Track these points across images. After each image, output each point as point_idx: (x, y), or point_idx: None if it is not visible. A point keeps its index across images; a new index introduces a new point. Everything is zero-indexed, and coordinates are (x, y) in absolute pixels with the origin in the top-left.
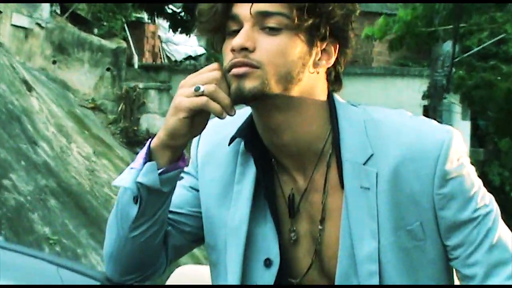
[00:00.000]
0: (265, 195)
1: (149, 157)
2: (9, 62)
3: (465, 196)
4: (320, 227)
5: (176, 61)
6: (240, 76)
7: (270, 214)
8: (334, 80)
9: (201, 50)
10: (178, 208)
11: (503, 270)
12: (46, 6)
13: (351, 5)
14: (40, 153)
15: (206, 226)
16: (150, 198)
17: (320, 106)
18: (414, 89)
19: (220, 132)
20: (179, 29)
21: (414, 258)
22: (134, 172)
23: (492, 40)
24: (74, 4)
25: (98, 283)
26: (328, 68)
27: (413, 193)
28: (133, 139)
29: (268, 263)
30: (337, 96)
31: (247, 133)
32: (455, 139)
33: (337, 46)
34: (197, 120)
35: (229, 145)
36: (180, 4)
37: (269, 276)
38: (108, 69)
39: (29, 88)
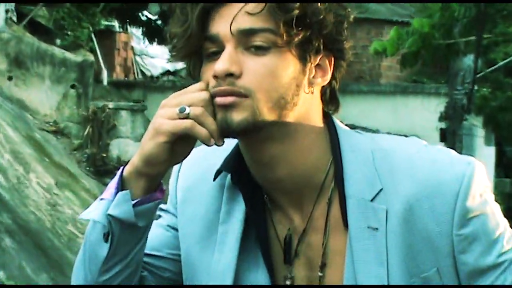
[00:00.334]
0: (257, 237)
1: (121, 187)
2: None
3: (489, 238)
4: (320, 273)
5: (152, 76)
6: (226, 107)
7: (262, 259)
8: (330, 100)
9: (181, 64)
10: (155, 250)
11: None
12: (0, 13)
13: (343, 10)
14: None
15: (186, 273)
16: (123, 234)
17: (318, 132)
18: (429, 109)
19: (203, 163)
20: (155, 40)
21: None
22: (105, 203)
23: None
24: (32, 10)
25: None
26: (322, 86)
27: (429, 234)
28: (102, 168)
29: None
30: (337, 120)
31: (234, 166)
32: (477, 171)
33: (332, 59)
34: (179, 146)
35: (214, 179)
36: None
37: None
38: (72, 86)
39: None
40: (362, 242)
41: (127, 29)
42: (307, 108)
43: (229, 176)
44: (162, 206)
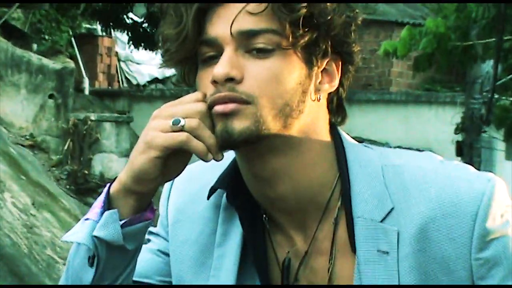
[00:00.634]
0: (254, 260)
1: (108, 206)
2: None
3: (511, 263)
4: None
5: (138, 85)
6: (227, 115)
7: (260, 284)
8: (336, 110)
9: (170, 71)
10: (145, 277)
11: None
12: None
13: (351, 11)
14: None
15: None
16: (111, 258)
17: (324, 145)
18: (444, 120)
19: (196, 181)
20: (142, 45)
21: None
22: (90, 224)
23: None
24: (6, 12)
25: None
26: (329, 94)
27: (445, 258)
28: (84, 186)
29: None
30: (343, 133)
31: (231, 183)
32: (497, 190)
33: (340, 63)
34: (172, 161)
35: (208, 198)
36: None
37: None
38: (50, 96)
39: None
40: (372, 266)
41: (110, 33)
42: (313, 118)
43: (224, 195)
44: (151, 229)
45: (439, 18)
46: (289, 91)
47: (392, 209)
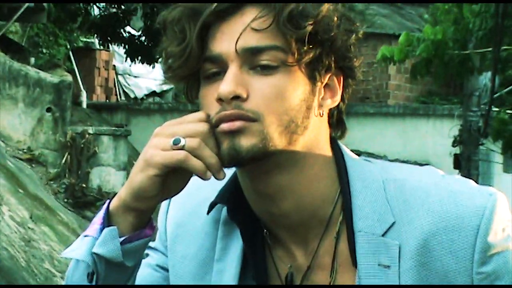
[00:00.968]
0: (254, 275)
1: (107, 222)
2: None
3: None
4: None
5: (136, 98)
6: (233, 133)
7: (260, 284)
8: (337, 123)
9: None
10: None
11: None
12: None
13: (352, 24)
14: None
15: None
16: (110, 275)
17: (326, 160)
18: (442, 133)
19: (196, 195)
20: (139, 58)
21: None
22: (89, 240)
23: None
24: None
25: None
26: (330, 109)
27: (447, 272)
28: (81, 200)
29: None
30: (344, 147)
31: (231, 198)
32: (499, 204)
33: (341, 78)
34: (171, 180)
35: (208, 213)
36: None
37: None
38: (48, 110)
39: None
40: (373, 281)
41: (108, 46)
42: (316, 133)
43: (224, 209)
44: (150, 244)
45: (437, 27)
46: (294, 108)
47: (393, 223)
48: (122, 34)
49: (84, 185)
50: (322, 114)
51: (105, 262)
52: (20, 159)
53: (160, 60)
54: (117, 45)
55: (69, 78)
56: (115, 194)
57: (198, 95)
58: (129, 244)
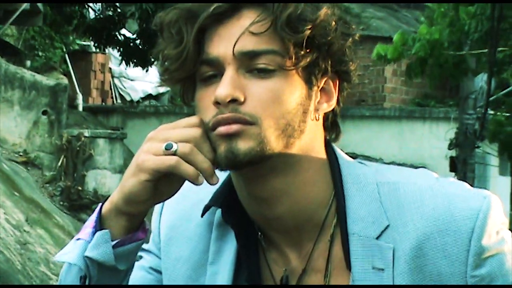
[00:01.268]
0: (248, 278)
1: (100, 226)
2: None
3: (507, 279)
4: None
5: (132, 101)
6: (231, 136)
7: (258, 284)
8: (331, 126)
9: (164, 87)
10: None
11: None
12: None
13: (348, 28)
14: None
15: None
16: (102, 278)
17: (321, 163)
18: (438, 136)
19: (189, 198)
20: (134, 61)
21: None
22: (82, 244)
23: None
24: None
25: None
26: (325, 112)
27: (441, 275)
28: (77, 203)
29: None
30: (338, 150)
31: (225, 200)
32: (493, 207)
33: (337, 81)
34: (163, 185)
35: (202, 215)
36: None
37: None
38: (44, 113)
39: None
40: (367, 284)
41: (104, 49)
42: (311, 137)
43: (217, 212)
44: (143, 246)
45: (433, 27)
46: (291, 111)
47: (387, 226)
48: (117, 37)
49: (79, 188)
50: (318, 118)
51: (97, 265)
52: (16, 162)
53: (155, 62)
54: (112, 48)
55: (65, 81)
56: (108, 197)
57: (194, 98)
58: (121, 247)
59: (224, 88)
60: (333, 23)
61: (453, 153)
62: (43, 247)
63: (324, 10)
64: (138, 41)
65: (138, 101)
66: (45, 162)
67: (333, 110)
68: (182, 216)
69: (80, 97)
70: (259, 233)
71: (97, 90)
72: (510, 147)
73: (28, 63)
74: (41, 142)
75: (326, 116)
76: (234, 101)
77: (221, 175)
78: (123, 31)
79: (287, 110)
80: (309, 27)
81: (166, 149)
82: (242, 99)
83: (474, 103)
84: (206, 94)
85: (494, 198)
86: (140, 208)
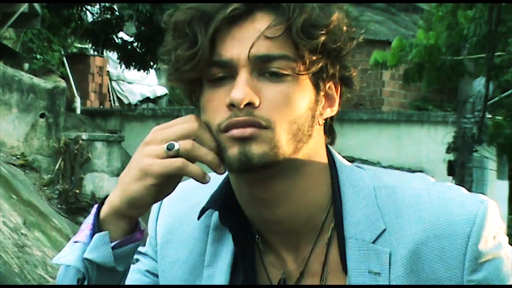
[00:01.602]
0: (244, 280)
1: (98, 228)
2: None
3: (504, 285)
4: None
5: (130, 104)
6: (245, 139)
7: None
8: (329, 130)
9: (162, 90)
10: None
11: None
12: None
13: (352, 32)
14: None
15: None
16: (101, 279)
17: (323, 167)
18: (436, 140)
19: (185, 201)
20: (132, 64)
21: None
22: (80, 246)
23: None
24: None
25: None
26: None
27: (437, 280)
28: (75, 206)
29: None
30: (336, 153)
31: (222, 203)
32: (490, 211)
33: (339, 87)
34: (165, 186)
35: (198, 218)
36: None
37: None
38: (42, 116)
39: None
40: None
41: (102, 52)
42: (315, 141)
43: (214, 215)
44: (140, 248)
45: (430, 32)
46: (302, 116)
47: (384, 230)
48: (115, 40)
49: (77, 191)
50: (321, 123)
51: (97, 267)
52: (14, 165)
53: (154, 65)
54: (110, 51)
55: (63, 84)
56: (102, 200)
57: (200, 98)
58: (120, 249)
59: (240, 91)
60: (344, 28)
61: (451, 157)
62: (41, 250)
63: (336, 15)
64: (136, 44)
65: (136, 104)
66: (42, 165)
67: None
68: (179, 219)
69: (78, 100)
70: (257, 236)
71: (95, 93)
72: (509, 149)
73: (26, 66)
74: (39, 145)
75: (325, 120)
76: (249, 104)
77: (217, 178)
78: (121, 34)
79: (299, 115)
80: (324, 32)
81: (168, 149)
82: (257, 103)
83: (472, 107)
84: (216, 95)
85: (491, 203)
86: (142, 211)
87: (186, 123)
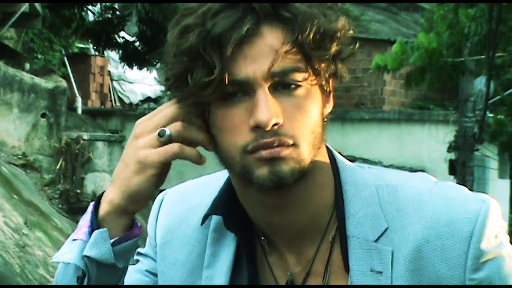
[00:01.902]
0: (250, 281)
1: (97, 226)
2: None
3: (506, 284)
4: None
5: (131, 104)
6: (274, 159)
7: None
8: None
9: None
10: None
11: None
12: None
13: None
14: None
15: None
16: (101, 276)
17: (327, 167)
18: (437, 139)
19: (184, 202)
20: (134, 64)
21: None
22: (79, 244)
23: None
24: None
25: None
26: None
27: (439, 278)
28: (76, 205)
29: None
30: (336, 153)
31: (225, 208)
32: (492, 210)
33: (332, 82)
34: (162, 173)
35: (202, 224)
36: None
37: None
38: (43, 115)
39: None
40: (365, 286)
41: (103, 52)
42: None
43: (213, 217)
44: (140, 249)
45: (432, 34)
46: (316, 123)
47: (386, 229)
48: (116, 40)
49: (78, 191)
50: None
51: (97, 264)
52: (15, 164)
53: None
54: (111, 50)
55: (64, 83)
56: (98, 198)
57: (210, 116)
58: (119, 245)
59: (266, 113)
60: (349, 33)
61: (452, 156)
62: (42, 250)
63: (342, 22)
64: (137, 44)
65: (137, 104)
66: (44, 165)
67: None
68: (178, 220)
69: (79, 100)
70: (262, 238)
71: (96, 93)
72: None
73: (27, 65)
74: (40, 145)
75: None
76: (275, 124)
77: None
78: (122, 33)
79: (315, 123)
80: (334, 43)
81: (160, 136)
82: (282, 122)
83: (473, 106)
84: (231, 114)
85: (493, 202)
86: (141, 206)
87: (169, 107)
